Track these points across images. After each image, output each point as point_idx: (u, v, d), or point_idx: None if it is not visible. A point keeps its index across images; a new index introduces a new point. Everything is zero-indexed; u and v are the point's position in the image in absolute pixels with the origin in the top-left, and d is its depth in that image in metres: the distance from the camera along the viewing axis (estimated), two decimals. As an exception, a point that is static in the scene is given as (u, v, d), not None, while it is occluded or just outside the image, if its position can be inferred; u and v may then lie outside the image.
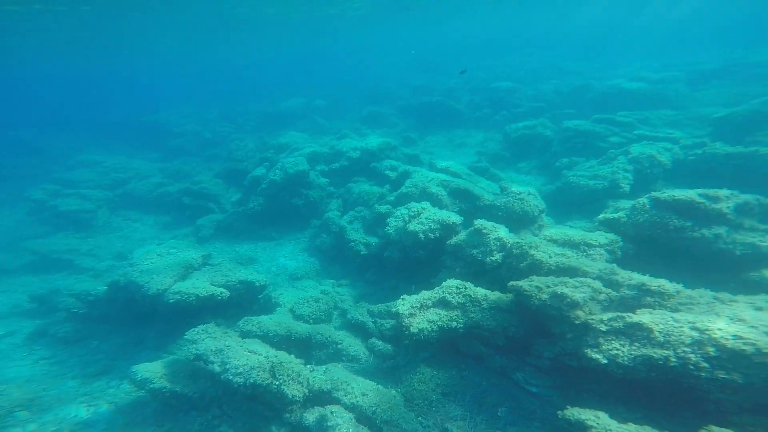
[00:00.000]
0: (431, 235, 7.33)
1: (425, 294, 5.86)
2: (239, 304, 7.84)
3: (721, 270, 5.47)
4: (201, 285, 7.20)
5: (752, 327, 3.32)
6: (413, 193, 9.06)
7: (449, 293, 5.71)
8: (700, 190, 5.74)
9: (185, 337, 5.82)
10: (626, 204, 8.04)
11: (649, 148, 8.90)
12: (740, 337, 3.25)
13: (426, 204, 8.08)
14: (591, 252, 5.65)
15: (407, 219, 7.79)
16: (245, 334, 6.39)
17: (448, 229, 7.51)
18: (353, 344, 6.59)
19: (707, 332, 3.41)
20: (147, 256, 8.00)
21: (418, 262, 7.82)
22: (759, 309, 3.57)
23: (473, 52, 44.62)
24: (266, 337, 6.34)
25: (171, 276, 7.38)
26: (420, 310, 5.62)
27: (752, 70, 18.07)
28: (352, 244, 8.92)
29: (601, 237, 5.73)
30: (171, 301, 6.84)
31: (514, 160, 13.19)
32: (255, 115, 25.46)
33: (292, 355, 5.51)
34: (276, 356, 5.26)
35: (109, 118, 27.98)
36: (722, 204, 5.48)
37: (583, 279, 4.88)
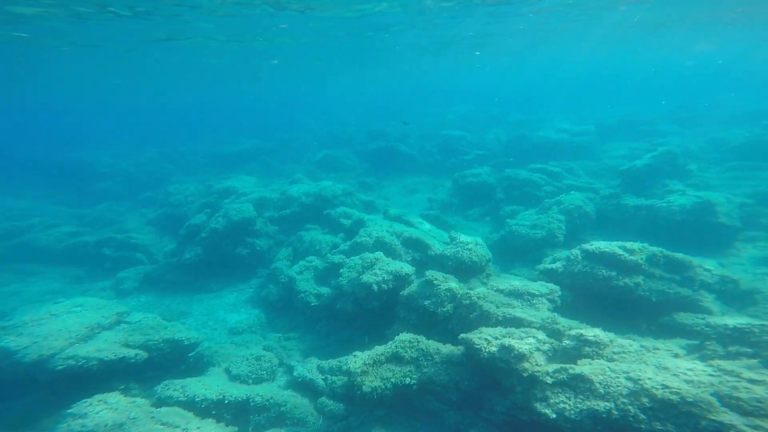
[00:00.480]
0: (385, 286, 7.25)
1: (378, 349, 5.64)
2: (163, 366, 6.83)
3: (641, 314, 6.01)
4: (107, 347, 6.17)
5: (674, 375, 3.57)
6: (367, 243, 9.03)
7: (402, 348, 5.55)
8: (619, 243, 6.43)
9: (69, 411, 4.70)
10: (562, 253, 8.73)
11: (576, 200, 9.96)
12: (666, 387, 3.46)
13: (380, 254, 8.06)
14: (534, 301, 5.93)
15: (361, 269, 7.68)
16: (164, 401, 5.49)
17: (402, 280, 7.49)
18: (300, 405, 5.98)
19: (640, 382, 3.59)
20: (35, 315, 6.64)
21: (371, 313, 7.60)
22: (676, 356, 3.88)
23: (427, 100, 48.63)
24: (192, 404, 5.49)
25: (65, 339, 6.22)
26: (373, 367, 5.35)
27: (639, 127, 21.84)
28: (302, 295, 8.48)
29: (542, 287, 6.07)
30: (59, 368, 5.68)
31: (463, 207, 13.95)
32: (202, 156, 24.47)
33: (222, 424, 4.78)
34: (199, 428, 4.51)
35: (16, 156, 24.80)
36: (636, 256, 6.15)
37: (527, 329, 5.04)
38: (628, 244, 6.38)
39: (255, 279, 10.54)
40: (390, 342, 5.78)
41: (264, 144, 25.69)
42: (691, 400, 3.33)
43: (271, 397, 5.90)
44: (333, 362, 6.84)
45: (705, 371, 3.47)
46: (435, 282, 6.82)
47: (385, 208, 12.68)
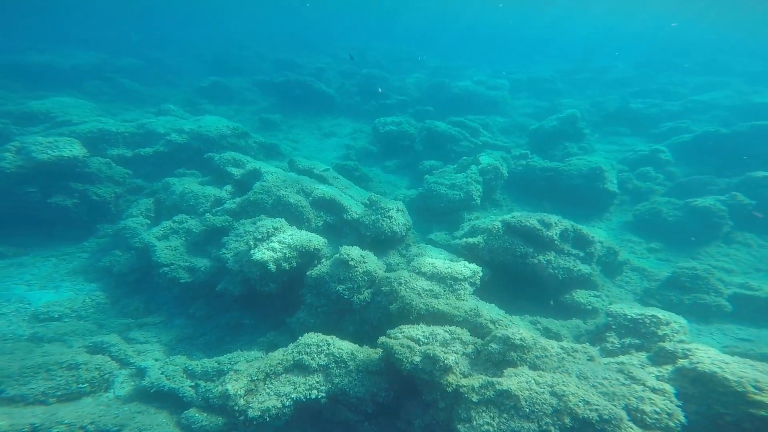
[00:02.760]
0: (286, 265, 5.89)
1: (274, 357, 4.58)
2: None
3: (548, 291, 6.22)
4: None
5: (593, 387, 3.44)
6: (264, 202, 7.26)
7: (307, 353, 4.60)
8: (538, 216, 6.30)
9: None
10: (481, 219, 8.62)
11: (493, 161, 9.77)
12: (588, 403, 3.32)
13: (280, 221, 6.50)
14: (456, 287, 5.50)
15: (253, 242, 6.06)
16: None
17: (309, 256, 6.24)
18: (151, 425, 4.54)
19: (564, 398, 3.39)
20: None
21: (268, 296, 6.28)
22: (591, 359, 3.84)
23: (348, 33, 42.65)
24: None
25: None
26: (265, 382, 4.30)
27: (542, 85, 23.10)
28: (166, 269, 6.45)
29: (465, 269, 5.64)
30: None
31: (382, 156, 12.83)
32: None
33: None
34: None
35: None
36: (552, 231, 6.13)
37: (451, 329, 4.57)
38: (545, 218, 6.29)
39: (93, 239, 7.74)
40: (291, 345, 4.74)
41: (115, 60, 18.78)
42: (606, 416, 3.26)
43: (90, 423, 4.14)
44: (209, 363, 5.34)
45: (618, 380, 3.41)
46: (351, 263, 5.78)
47: (292, 156, 10.67)
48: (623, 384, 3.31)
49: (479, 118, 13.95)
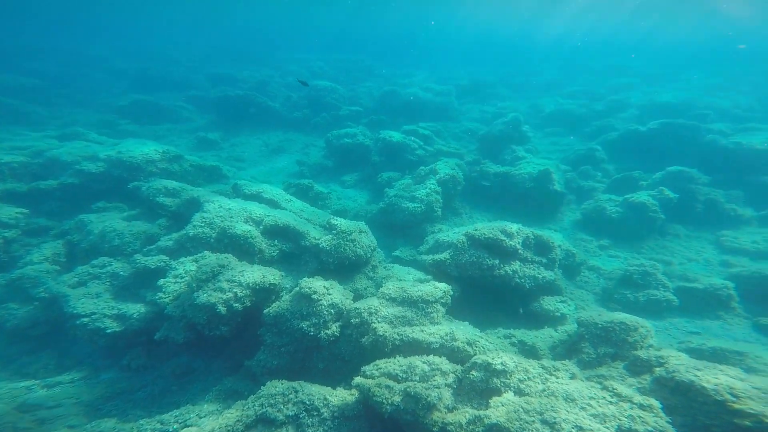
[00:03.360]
0: (238, 306, 5.26)
1: (231, 415, 4.02)
2: None
3: (516, 300, 6.25)
4: None
5: (582, 409, 3.37)
6: (206, 236, 6.49)
7: (272, 404, 4.10)
8: (500, 226, 6.32)
9: None
10: (444, 233, 8.51)
11: (450, 170, 9.84)
12: (581, 429, 3.22)
13: (227, 258, 5.83)
14: (429, 310, 5.27)
15: (196, 283, 5.34)
16: None
17: (266, 293, 5.66)
18: None
19: (556, 426, 3.26)
20: None
21: (220, 338, 5.55)
22: (573, 376, 3.78)
23: (289, 44, 41.35)
24: None
25: None
26: None
27: (484, 90, 24.35)
28: (85, 320, 5.43)
29: (436, 290, 5.44)
30: None
31: (339, 171, 12.38)
32: None
33: None
34: None
35: None
36: (515, 240, 6.19)
37: (430, 359, 4.30)
38: (507, 227, 6.34)
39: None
40: (251, 398, 4.18)
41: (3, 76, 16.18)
42: (599, 439, 3.16)
43: None
44: (149, 425, 4.53)
45: (605, 398, 3.37)
46: (314, 296, 5.31)
47: (237, 179, 9.82)
48: (611, 403, 3.27)
49: (431, 126, 14.12)
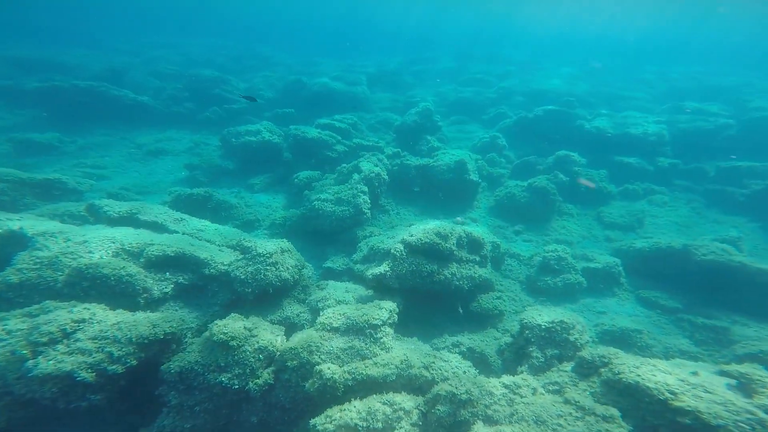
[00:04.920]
0: (118, 368, 3.99)
1: None
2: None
3: (455, 302, 6.21)
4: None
5: (554, 430, 3.31)
6: (47, 282, 4.78)
7: None
8: (434, 228, 6.15)
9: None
10: (370, 230, 8.07)
11: (374, 166, 9.33)
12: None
13: (87, 309, 4.37)
14: (377, 335, 4.76)
15: (29, 348, 3.87)
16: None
17: (160, 344, 4.35)
18: None
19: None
20: None
21: (95, 408, 4.13)
22: (534, 392, 3.75)
23: (150, 27, 33.86)
24: None
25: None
26: None
27: (390, 78, 24.42)
28: None
29: (381, 311, 4.95)
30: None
31: (243, 173, 10.67)
32: None
33: None
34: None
35: None
36: (450, 242, 6.08)
37: (390, 399, 3.82)
38: (441, 230, 6.19)
39: None
40: None
41: None
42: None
43: None
44: None
45: (571, 414, 3.38)
46: (233, 343, 4.29)
47: (95, 195, 7.55)
48: (578, 418, 3.28)
49: (347, 118, 13.29)
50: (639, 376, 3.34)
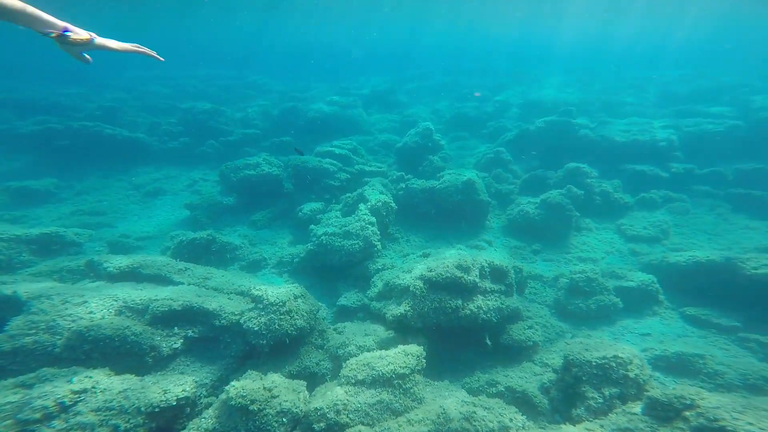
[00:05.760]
0: None
1: None
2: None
3: (483, 333, 5.77)
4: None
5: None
6: (45, 347, 4.60)
7: None
8: (454, 261, 5.81)
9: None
10: (382, 262, 7.68)
11: (380, 194, 9.06)
12: None
13: (90, 377, 4.02)
14: (407, 385, 4.32)
15: (24, 427, 3.41)
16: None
17: (172, 412, 4.00)
18: None
19: None
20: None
21: None
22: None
23: (133, 62, 34.46)
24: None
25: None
26: None
27: (385, 98, 24.51)
28: None
29: (408, 358, 4.53)
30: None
31: (245, 209, 10.37)
32: None
33: None
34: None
35: None
36: (472, 273, 5.73)
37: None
38: (461, 259, 5.85)
39: None
40: None
41: None
42: None
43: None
44: None
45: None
46: (253, 407, 3.86)
47: (94, 249, 7.23)
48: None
49: (346, 143, 13.15)
50: (752, 424, 2.87)
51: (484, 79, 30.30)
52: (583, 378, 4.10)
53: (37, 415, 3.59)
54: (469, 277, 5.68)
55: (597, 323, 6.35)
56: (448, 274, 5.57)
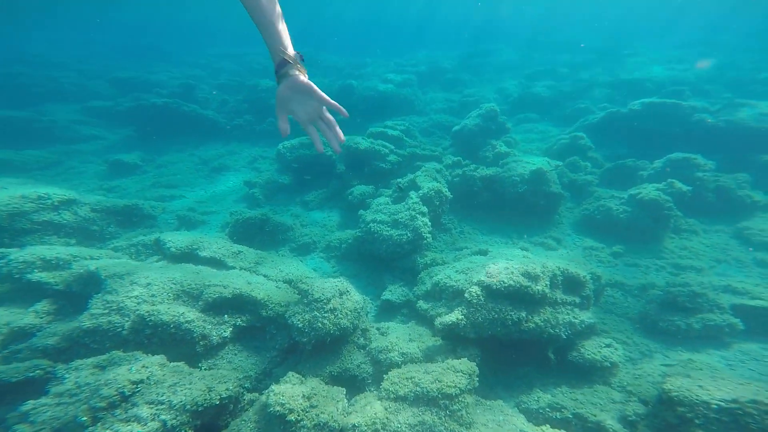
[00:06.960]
0: None
1: None
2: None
3: (548, 347, 4.96)
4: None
5: None
6: (114, 328, 4.68)
7: None
8: (520, 268, 4.99)
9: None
10: (432, 256, 7.08)
11: (433, 181, 8.35)
12: None
13: (145, 366, 4.06)
14: (455, 407, 3.81)
15: (94, 414, 3.67)
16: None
17: (216, 410, 3.93)
18: None
19: None
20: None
21: None
22: None
23: (216, 39, 36.60)
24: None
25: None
26: None
27: (445, 76, 22.80)
28: None
29: (459, 378, 3.96)
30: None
31: (298, 189, 10.42)
32: None
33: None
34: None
35: None
36: (541, 283, 4.88)
37: None
38: (530, 268, 5.00)
39: None
40: None
41: None
42: None
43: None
44: None
45: None
46: (290, 418, 3.67)
47: (163, 224, 7.64)
48: None
49: (399, 124, 12.44)
50: None
51: (559, 55, 26.77)
52: (697, 422, 3.17)
53: (103, 404, 3.73)
54: (537, 287, 4.85)
55: (701, 344, 5.11)
56: (512, 282, 4.79)
